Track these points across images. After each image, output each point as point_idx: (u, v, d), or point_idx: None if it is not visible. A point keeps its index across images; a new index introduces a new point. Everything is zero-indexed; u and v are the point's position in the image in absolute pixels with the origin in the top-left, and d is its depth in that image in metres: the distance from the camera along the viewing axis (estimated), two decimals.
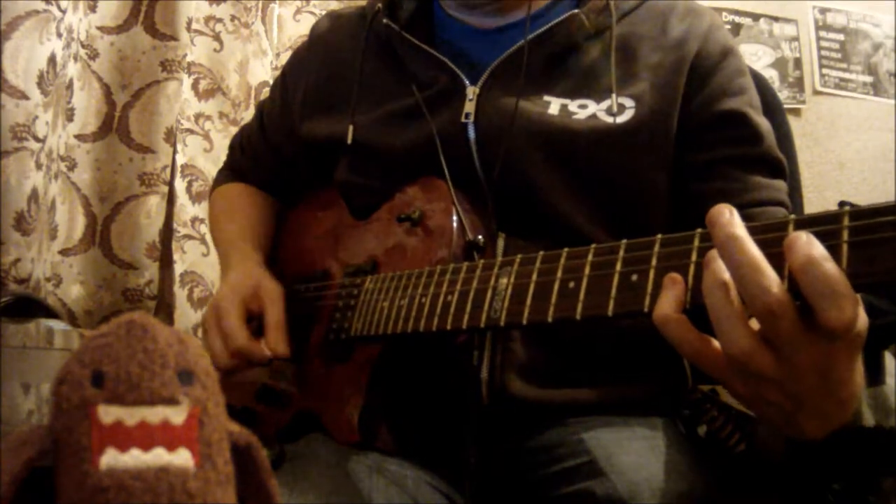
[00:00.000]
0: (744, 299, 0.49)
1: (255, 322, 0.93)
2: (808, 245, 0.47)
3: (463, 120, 0.88)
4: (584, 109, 0.87)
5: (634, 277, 0.57)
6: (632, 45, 0.89)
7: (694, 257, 0.54)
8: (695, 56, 0.89)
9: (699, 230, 0.55)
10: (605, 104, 0.86)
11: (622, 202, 0.87)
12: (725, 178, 0.87)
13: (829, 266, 0.46)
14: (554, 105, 0.87)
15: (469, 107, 0.88)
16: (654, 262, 0.56)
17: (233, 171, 1.20)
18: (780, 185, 0.90)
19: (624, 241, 0.59)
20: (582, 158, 0.86)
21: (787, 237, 0.48)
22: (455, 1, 0.93)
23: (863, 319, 0.50)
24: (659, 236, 0.57)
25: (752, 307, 0.49)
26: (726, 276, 0.50)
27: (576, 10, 0.88)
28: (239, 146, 1.20)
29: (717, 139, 0.88)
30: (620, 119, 0.85)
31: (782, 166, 0.91)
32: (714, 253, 0.51)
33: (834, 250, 0.47)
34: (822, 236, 0.48)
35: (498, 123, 0.86)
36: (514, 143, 0.85)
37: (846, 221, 0.47)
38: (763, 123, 0.91)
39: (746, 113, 0.89)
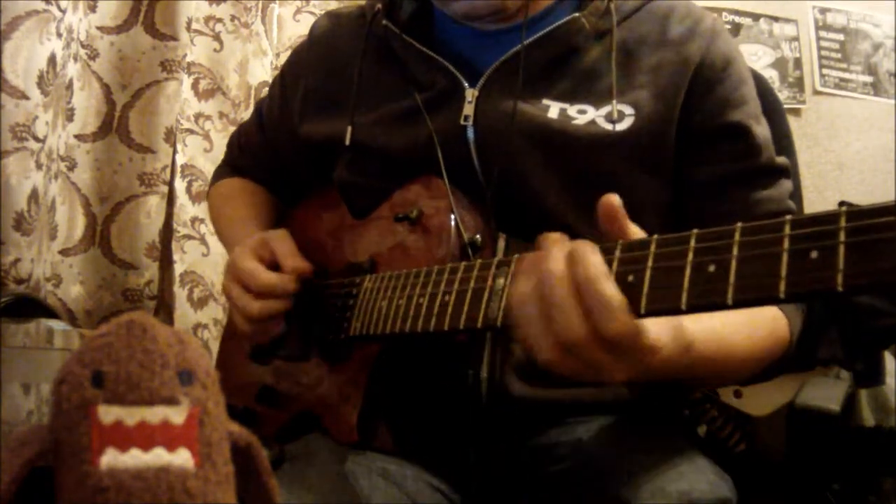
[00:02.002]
0: (553, 325, 0.57)
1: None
2: (587, 265, 0.56)
3: (462, 122, 0.88)
4: (584, 115, 0.86)
5: (631, 278, 0.57)
6: (632, 48, 0.89)
7: (690, 257, 0.54)
8: (698, 65, 0.88)
9: (695, 231, 0.55)
10: (604, 110, 0.86)
11: None
12: (726, 198, 0.87)
13: (605, 284, 0.55)
14: (553, 109, 0.87)
15: (468, 109, 0.88)
16: (650, 262, 0.56)
17: (231, 167, 1.21)
18: (783, 189, 0.90)
19: (620, 241, 0.59)
20: (580, 164, 0.86)
21: (572, 250, 0.57)
22: (456, 14, 0.92)
23: (651, 332, 0.57)
24: (655, 237, 0.57)
25: (558, 335, 0.57)
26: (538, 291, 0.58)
27: (576, 14, 0.88)
28: (237, 145, 1.20)
29: (718, 154, 0.88)
30: (620, 127, 0.85)
31: (783, 168, 0.91)
32: (530, 264, 0.59)
33: (831, 251, 0.47)
34: (818, 237, 0.48)
35: (497, 126, 0.86)
36: (512, 147, 0.85)
37: (843, 222, 0.47)
38: (763, 132, 0.90)
39: (748, 125, 0.88)
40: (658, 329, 0.58)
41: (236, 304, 0.90)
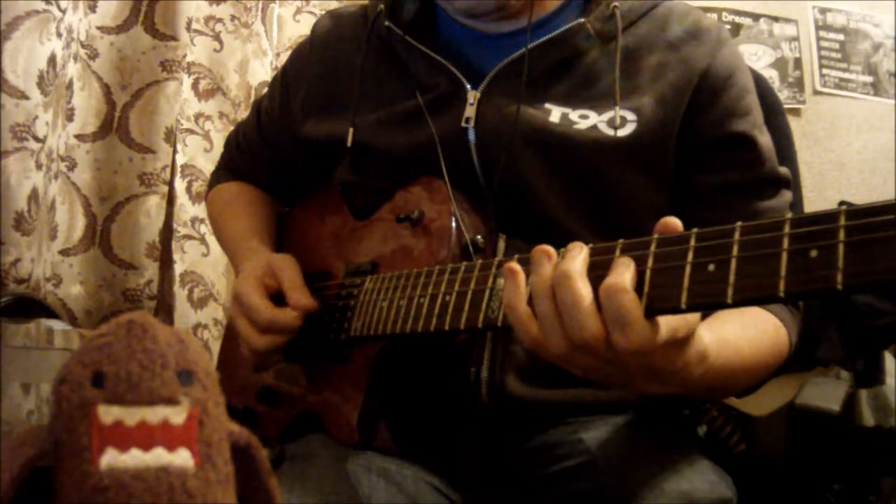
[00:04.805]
0: (565, 327, 0.58)
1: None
2: (615, 274, 0.56)
3: (463, 124, 0.88)
4: (585, 120, 0.86)
5: None
6: (635, 53, 0.89)
7: (690, 257, 0.54)
8: (703, 73, 0.88)
9: (695, 230, 0.55)
10: (606, 116, 0.86)
11: (618, 213, 0.87)
12: (727, 208, 0.86)
13: (627, 297, 0.55)
14: (555, 113, 0.87)
15: (470, 111, 0.88)
16: (650, 262, 0.56)
17: (229, 169, 1.21)
18: (784, 200, 0.90)
19: (620, 241, 0.59)
20: (581, 169, 0.86)
21: (613, 260, 0.58)
22: (459, 11, 0.92)
23: (662, 343, 0.57)
24: (655, 236, 0.57)
25: (571, 333, 0.58)
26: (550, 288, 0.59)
27: (582, 20, 0.88)
28: (235, 145, 1.20)
29: (721, 162, 0.88)
30: (622, 133, 0.85)
31: (785, 180, 0.91)
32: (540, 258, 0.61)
33: (830, 250, 0.47)
34: (817, 236, 0.48)
35: (498, 129, 0.86)
36: (513, 149, 0.85)
37: (842, 221, 0.47)
38: (766, 143, 0.90)
39: (752, 135, 0.88)
40: (675, 325, 0.58)
41: (242, 336, 0.91)
